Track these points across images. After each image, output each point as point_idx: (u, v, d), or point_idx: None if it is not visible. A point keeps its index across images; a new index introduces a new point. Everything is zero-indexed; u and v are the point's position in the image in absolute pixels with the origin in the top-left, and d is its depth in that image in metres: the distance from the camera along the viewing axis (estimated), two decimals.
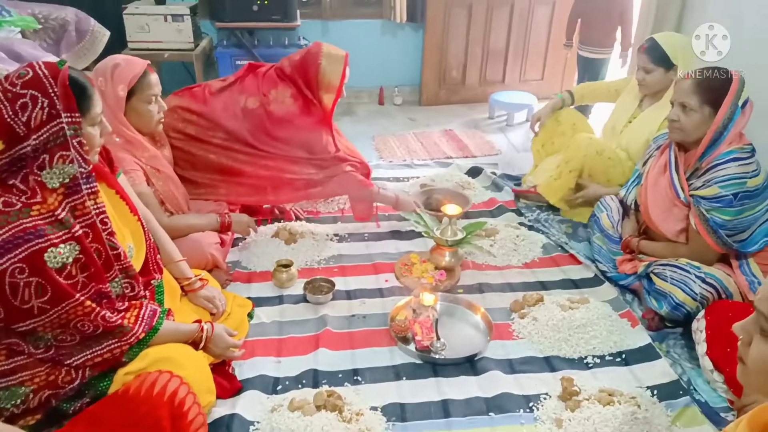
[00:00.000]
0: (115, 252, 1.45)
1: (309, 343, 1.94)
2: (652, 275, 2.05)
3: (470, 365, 1.86)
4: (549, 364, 1.88)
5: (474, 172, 3.30)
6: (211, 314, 1.84)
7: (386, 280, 2.30)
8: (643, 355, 1.90)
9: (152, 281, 1.63)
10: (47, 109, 1.30)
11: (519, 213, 2.85)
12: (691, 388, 1.77)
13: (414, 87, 4.69)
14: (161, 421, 1.26)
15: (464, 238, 2.27)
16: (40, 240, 1.27)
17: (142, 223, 1.62)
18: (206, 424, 1.41)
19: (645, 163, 2.24)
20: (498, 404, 1.71)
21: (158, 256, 1.70)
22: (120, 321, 1.41)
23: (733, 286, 1.92)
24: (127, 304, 1.49)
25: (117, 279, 1.46)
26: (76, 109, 1.34)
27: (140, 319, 1.46)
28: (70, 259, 1.32)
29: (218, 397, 1.63)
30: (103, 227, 1.42)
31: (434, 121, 4.30)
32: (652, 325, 2.04)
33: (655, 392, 1.75)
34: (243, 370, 1.80)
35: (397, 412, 1.68)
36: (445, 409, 1.70)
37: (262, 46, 3.92)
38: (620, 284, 2.25)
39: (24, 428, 1.33)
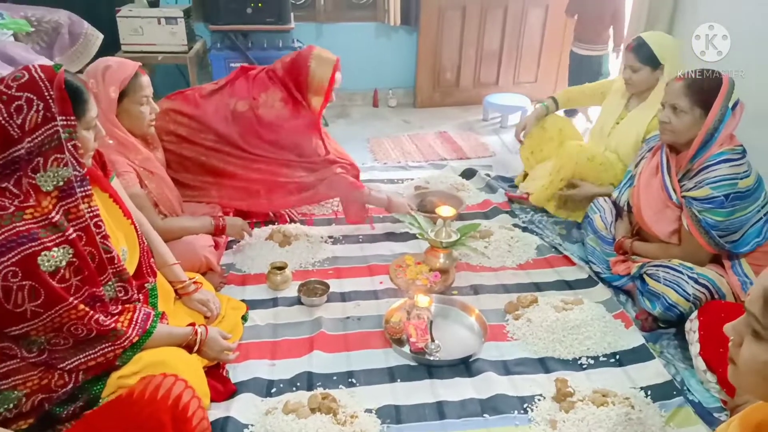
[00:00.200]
0: (108, 255, 1.45)
1: (303, 346, 1.94)
2: (645, 276, 2.06)
3: (465, 367, 1.87)
4: (543, 365, 1.88)
5: (468, 173, 3.31)
6: (205, 317, 1.84)
7: (381, 282, 2.30)
8: (637, 355, 1.91)
9: (146, 285, 1.62)
10: (42, 112, 1.30)
11: (513, 214, 2.86)
12: (685, 388, 1.78)
13: (408, 89, 4.69)
14: (164, 426, 1.25)
15: (458, 240, 2.28)
16: (33, 243, 1.26)
17: (135, 227, 1.62)
18: (210, 429, 1.41)
19: (637, 165, 2.25)
20: (492, 405, 1.71)
21: (152, 259, 1.70)
22: (113, 324, 1.40)
23: (726, 286, 1.93)
24: (120, 307, 1.48)
25: (110, 282, 1.46)
26: (71, 112, 1.34)
27: (134, 322, 1.46)
28: (64, 263, 1.32)
29: (212, 400, 1.62)
30: (97, 230, 1.42)
31: (428, 123, 4.31)
32: (646, 326, 2.05)
33: (649, 393, 1.75)
34: (237, 373, 1.80)
35: (392, 414, 1.68)
36: (439, 410, 1.70)
37: (256, 49, 3.92)
38: (614, 285, 2.26)
39: None
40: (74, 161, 1.36)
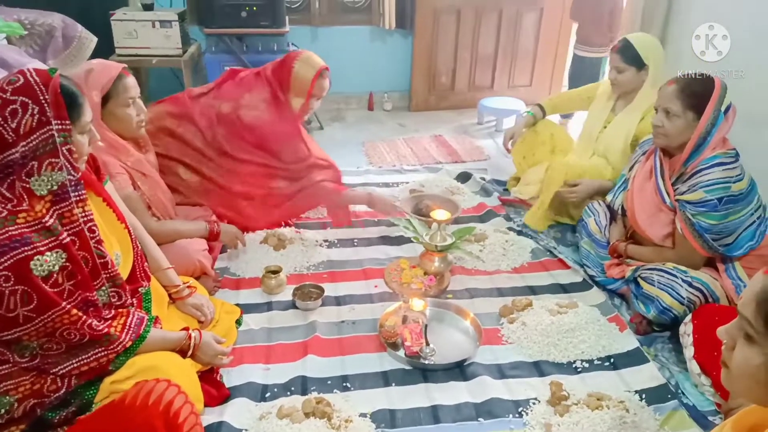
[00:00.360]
0: (102, 260, 1.44)
1: (298, 350, 1.93)
2: (639, 279, 2.06)
3: (460, 371, 1.86)
4: (538, 368, 1.88)
5: (463, 177, 3.31)
6: (199, 322, 1.83)
7: (376, 286, 2.30)
8: (632, 359, 1.91)
9: (140, 289, 1.62)
10: (37, 116, 1.29)
11: (508, 218, 2.86)
12: (679, 391, 1.78)
13: (403, 93, 4.70)
14: (155, 431, 1.24)
15: (453, 244, 2.28)
16: (26, 248, 1.26)
17: (129, 231, 1.61)
18: None
19: (631, 168, 2.26)
20: (487, 409, 1.71)
21: (146, 263, 1.69)
22: (107, 329, 1.39)
23: (720, 290, 1.94)
24: (113, 312, 1.48)
25: (104, 287, 1.45)
26: (66, 116, 1.34)
27: (127, 327, 1.45)
28: (57, 267, 1.31)
29: (206, 405, 1.62)
30: (91, 235, 1.41)
31: (424, 126, 4.31)
32: (640, 329, 2.05)
33: (644, 396, 1.75)
34: (231, 377, 1.79)
35: (387, 418, 1.67)
36: (434, 414, 1.69)
37: (251, 52, 3.91)
38: (608, 288, 2.26)
39: None
40: (69, 165, 1.35)
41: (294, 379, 1.80)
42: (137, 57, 3.56)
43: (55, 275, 1.31)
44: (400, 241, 2.64)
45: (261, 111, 2.43)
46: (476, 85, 4.70)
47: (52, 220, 1.33)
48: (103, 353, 1.38)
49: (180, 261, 1.98)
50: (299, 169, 2.51)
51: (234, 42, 3.86)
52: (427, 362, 1.87)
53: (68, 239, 1.35)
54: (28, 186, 1.31)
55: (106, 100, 1.94)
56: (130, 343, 1.43)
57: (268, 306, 2.16)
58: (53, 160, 1.32)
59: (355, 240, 2.64)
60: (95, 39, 3.16)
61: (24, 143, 1.29)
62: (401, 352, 1.91)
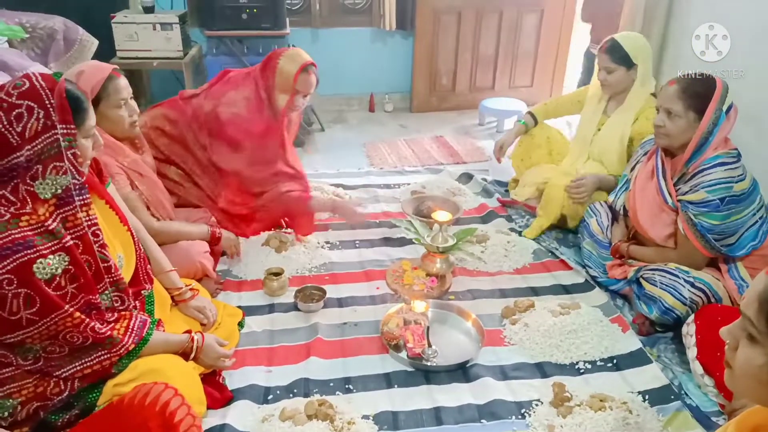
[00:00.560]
0: (106, 264, 1.44)
1: (300, 352, 1.93)
2: (641, 280, 2.06)
3: (462, 372, 1.86)
4: (540, 370, 1.88)
5: (465, 178, 3.31)
6: (202, 324, 1.83)
7: (377, 288, 2.30)
8: (634, 359, 1.91)
9: (142, 292, 1.62)
10: (43, 120, 1.30)
11: (509, 219, 2.86)
12: (682, 392, 1.78)
13: (404, 94, 4.70)
14: None
15: (455, 245, 2.27)
16: (28, 251, 1.26)
17: (132, 233, 1.62)
18: None
19: (633, 169, 2.26)
20: (490, 411, 1.71)
21: (148, 266, 1.69)
22: (109, 332, 1.40)
23: (722, 290, 1.93)
24: (116, 315, 1.48)
25: (107, 291, 1.45)
26: (71, 120, 1.34)
27: (130, 330, 1.45)
28: (59, 270, 1.31)
29: (209, 407, 1.62)
30: (95, 239, 1.42)
31: (425, 127, 4.31)
32: (643, 330, 2.05)
33: (647, 397, 1.75)
34: (233, 379, 1.79)
35: (389, 420, 1.67)
36: (437, 416, 1.69)
37: (251, 54, 3.91)
38: (610, 289, 2.26)
39: None
40: (73, 169, 1.36)
41: (296, 381, 1.80)
42: (138, 59, 3.56)
43: (57, 278, 1.31)
44: (401, 242, 2.64)
45: (239, 108, 2.41)
46: (477, 86, 4.70)
47: (55, 224, 1.33)
48: (106, 356, 1.38)
49: (182, 263, 1.98)
50: (264, 178, 2.48)
51: (235, 44, 3.86)
52: (429, 364, 1.87)
53: (71, 242, 1.35)
54: (32, 189, 1.31)
55: (97, 101, 1.90)
56: (132, 345, 1.43)
57: (270, 308, 2.16)
58: (58, 164, 1.33)
59: (357, 242, 2.64)
60: (96, 42, 3.17)
61: (29, 147, 1.29)
62: (403, 354, 1.91)
